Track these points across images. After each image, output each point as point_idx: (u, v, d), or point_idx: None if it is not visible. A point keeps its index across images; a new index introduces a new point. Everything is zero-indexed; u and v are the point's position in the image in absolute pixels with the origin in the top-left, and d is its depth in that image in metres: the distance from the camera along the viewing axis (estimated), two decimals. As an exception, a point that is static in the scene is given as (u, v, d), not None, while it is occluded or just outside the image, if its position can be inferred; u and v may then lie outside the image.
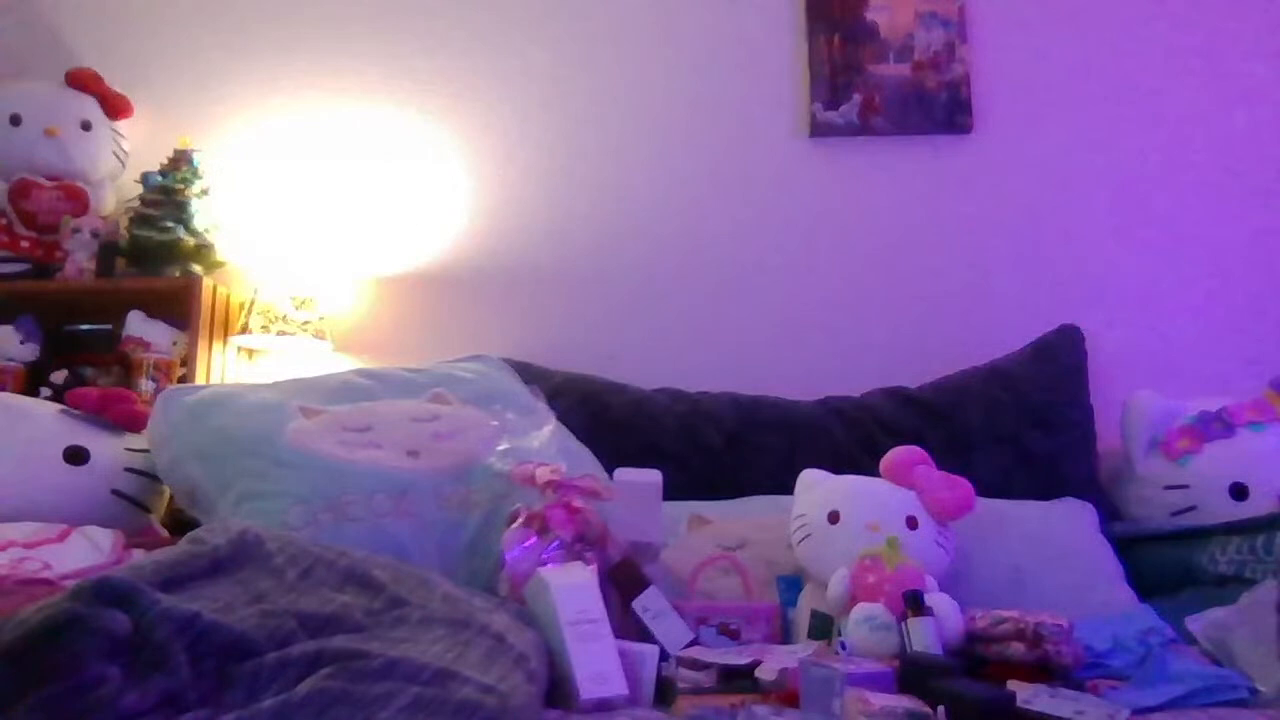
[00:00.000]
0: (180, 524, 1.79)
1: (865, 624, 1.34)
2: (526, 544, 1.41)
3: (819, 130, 2.37)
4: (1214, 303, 2.28)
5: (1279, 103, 2.36)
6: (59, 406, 1.85)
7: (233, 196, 2.40)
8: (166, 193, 2.24)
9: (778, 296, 2.33)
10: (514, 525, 1.46)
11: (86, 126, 2.33)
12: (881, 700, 1.01)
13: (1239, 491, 1.86)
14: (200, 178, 2.30)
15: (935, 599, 1.37)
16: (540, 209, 2.40)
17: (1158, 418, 1.97)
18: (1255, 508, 1.80)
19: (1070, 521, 1.84)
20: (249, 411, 1.65)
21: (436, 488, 1.56)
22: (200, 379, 2.15)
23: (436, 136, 2.44)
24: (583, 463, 1.76)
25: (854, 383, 2.14)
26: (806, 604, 1.51)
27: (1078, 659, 1.28)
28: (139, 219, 2.25)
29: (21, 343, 2.18)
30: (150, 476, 1.79)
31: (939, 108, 2.36)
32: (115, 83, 2.40)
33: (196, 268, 2.26)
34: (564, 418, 1.83)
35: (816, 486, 1.65)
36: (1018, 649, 1.27)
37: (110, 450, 1.79)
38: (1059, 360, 2.11)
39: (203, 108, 2.46)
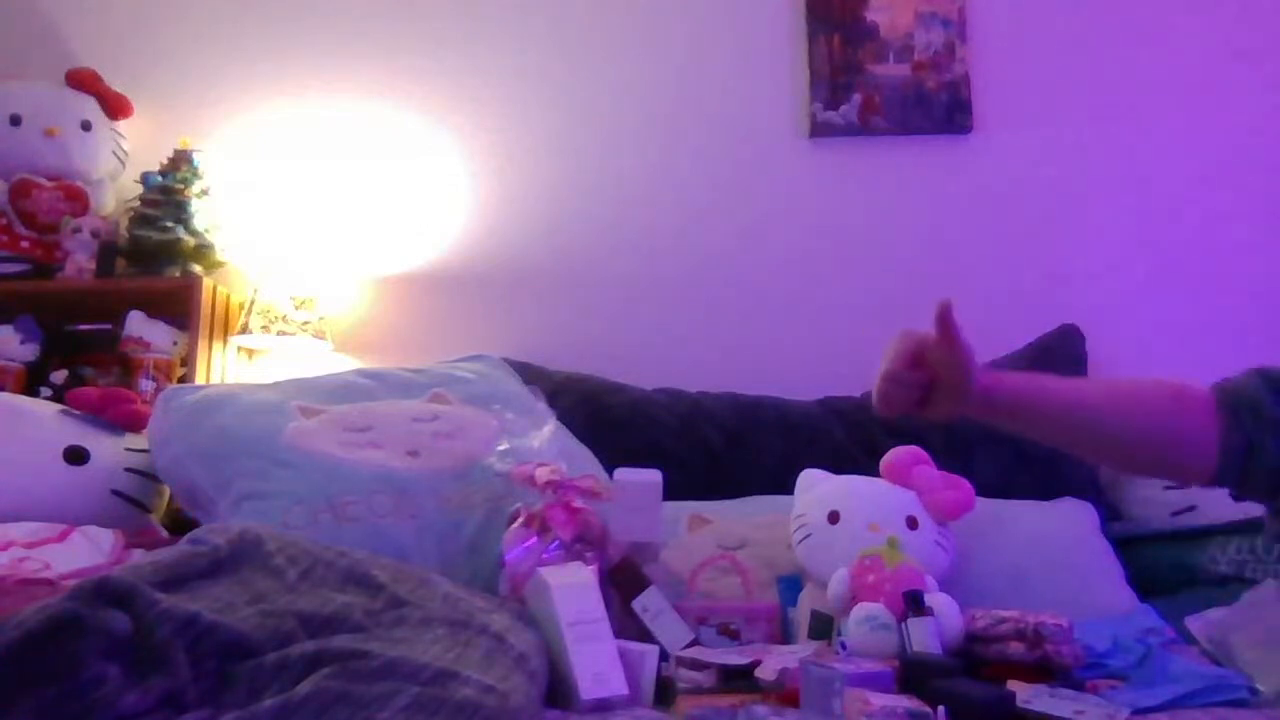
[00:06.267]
0: (180, 524, 1.79)
1: (865, 624, 1.34)
2: (526, 544, 1.41)
3: (819, 130, 2.37)
4: (1214, 303, 2.28)
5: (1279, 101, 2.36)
6: (59, 406, 1.85)
7: (233, 196, 2.40)
8: (166, 193, 2.24)
9: (777, 296, 2.33)
10: (514, 525, 1.46)
11: (86, 126, 2.33)
12: (881, 700, 1.01)
13: (1239, 492, 1.86)
14: (200, 178, 2.29)
15: (935, 599, 1.37)
16: (540, 209, 2.40)
17: (1158, 417, 1.97)
18: (1255, 508, 1.79)
19: (1070, 521, 1.83)
20: (249, 411, 1.65)
21: (436, 488, 1.56)
22: (200, 379, 2.15)
23: (436, 136, 2.44)
24: (583, 463, 1.75)
25: (854, 383, 2.14)
26: (806, 604, 1.51)
27: (1078, 659, 1.28)
28: (139, 219, 2.25)
29: (21, 343, 2.17)
30: (150, 476, 1.79)
31: (939, 108, 2.36)
32: (115, 83, 2.40)
33: (196, 268, 2.26)
34: (564, 418, 1.83)
35: (816, 486, 1.65)
36: (1018, 649, 1.27)
37: (110, 450, 1.79)
38: (1059, 360, 2.11)
39: (203, 108, 2.46)
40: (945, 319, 1.02)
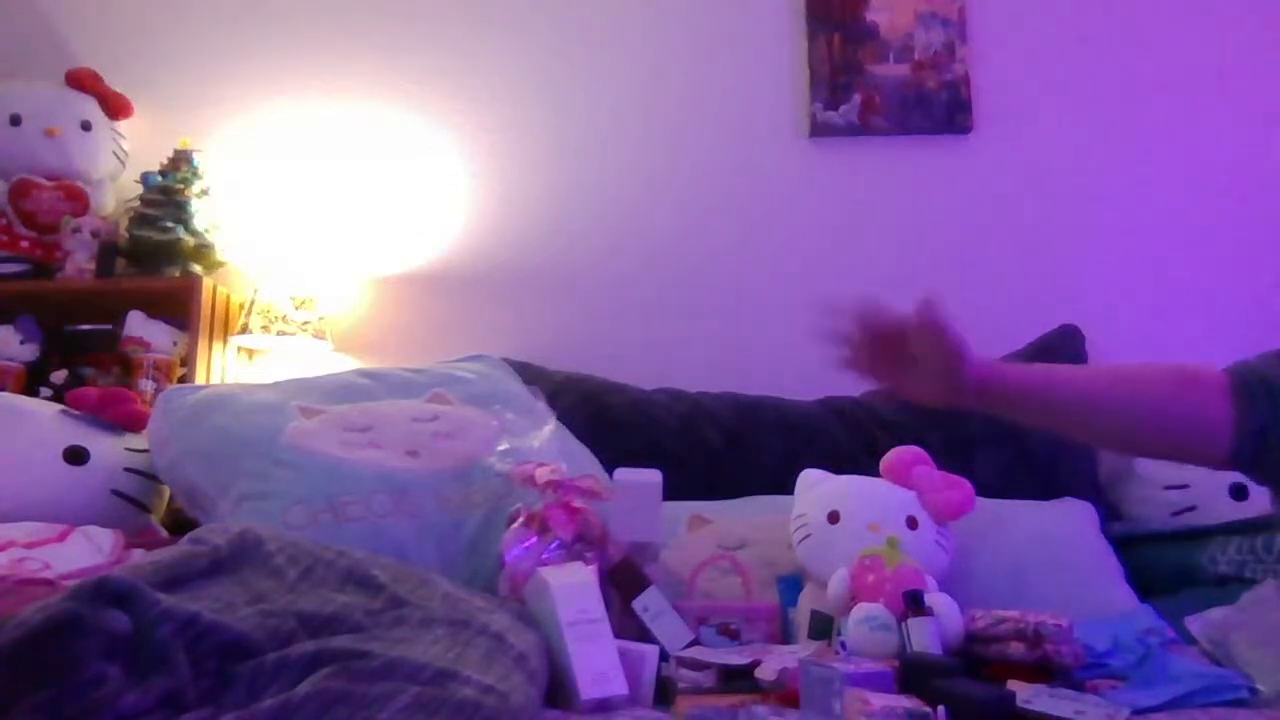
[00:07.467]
0: (180, 524, 1.79)
1: (865, 624, 1.34)
2: (526, 544, 1.41)
3: (819, 130, 2.37)
4: (1214, 303, 2.28)
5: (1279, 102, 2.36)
6: (59, 406, 1.85)
7: (233, 196, 2.40)
8: (166, 193, 2.24)
9: (778, 296, 2.33)
10: (514, 525, 1.46)
11: (86, 126, 2.33)
12: (881, 700, 1.01)
13: (1239, 491, 1.87)
14: (200, 178, 2.30)
15: (935, 599, 1.37)
16: (540, 209, 2.40)
17: (1158, 417, 1.97)
18: (1255, 508, 1.80)
19: (1070, 521, 1.83)
20: (249, 411, 1.65)
21: (436, 488, 1.56)
22: (200, 379, 2.15)
23: (436, 136, 2.44)
24: (583, 463, 1.76)
25: (854, 383, 2.14)
26: (806, 604, 1.51)
27: (1078, 659, 1.28)
28: (139, 219, 2.25)
29: (21, 343, 2.18)
30: (150, 476, 1.79)
31: (939, 108, 2.36)
32: (115, 83, 2.40)
33: (196, 268, 2.26)
34: (564, 418, 1.83)
35: (816, 486, 1.65)
36: (1018, 649, 1.27)
37: (110, 450, 1.79)
38: (1059, 360, 2.11)
39: (203, 108, 2.46)
40: (932, 310, 1.01)
